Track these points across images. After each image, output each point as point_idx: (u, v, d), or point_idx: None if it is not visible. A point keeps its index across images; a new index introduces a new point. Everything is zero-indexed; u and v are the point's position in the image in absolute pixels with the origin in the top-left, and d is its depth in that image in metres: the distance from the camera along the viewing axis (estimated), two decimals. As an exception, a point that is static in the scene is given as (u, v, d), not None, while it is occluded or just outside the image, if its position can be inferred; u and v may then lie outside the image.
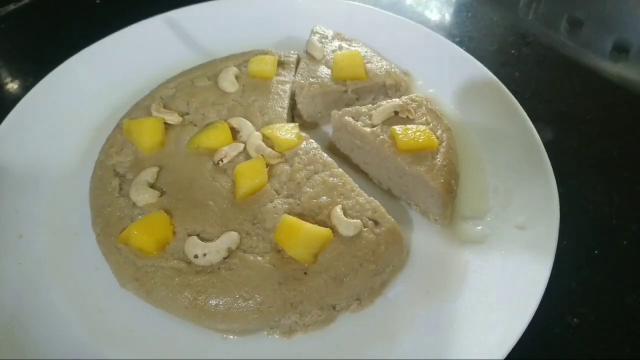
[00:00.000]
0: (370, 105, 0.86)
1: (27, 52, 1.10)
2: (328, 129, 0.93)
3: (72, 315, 0.70)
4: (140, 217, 0.72)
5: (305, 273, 0.67)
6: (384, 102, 0.86)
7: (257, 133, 0.81)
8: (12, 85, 1.06)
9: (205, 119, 0.85)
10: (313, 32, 0.99)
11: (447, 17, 1.22)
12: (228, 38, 1.05)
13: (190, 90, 0.89)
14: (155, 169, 0.77)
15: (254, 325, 0.66)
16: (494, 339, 0.63)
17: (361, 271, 0.68)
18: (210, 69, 0.93)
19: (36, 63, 1.07)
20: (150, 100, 0.88)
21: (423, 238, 0.79)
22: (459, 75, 0.95)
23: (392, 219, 0.72)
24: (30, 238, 0.77)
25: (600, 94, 0.99)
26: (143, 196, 0.73)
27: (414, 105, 0.86)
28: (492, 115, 0.89)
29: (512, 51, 1.04)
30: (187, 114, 0.86)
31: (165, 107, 0.86)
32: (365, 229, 0.70)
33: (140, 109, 0.87)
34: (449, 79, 0.96)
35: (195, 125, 0.84)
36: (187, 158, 0.79)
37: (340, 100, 0.92)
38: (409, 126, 0.81)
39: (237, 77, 0.91)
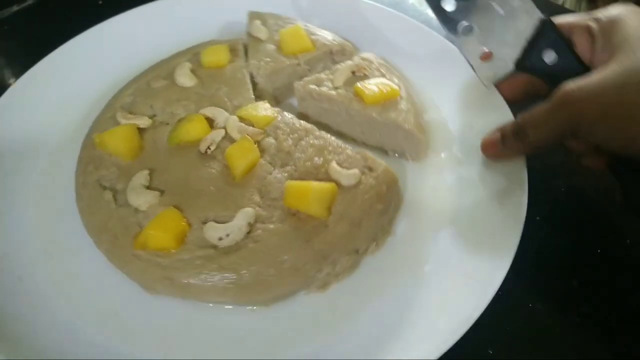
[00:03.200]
0: (327, 71, 0.92)
1: (31, 53, 1.07)
2: (291, 102, 0.97)
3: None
4: (147, 220, 0.72)
5: (326, 225, 0.71)
6: (339, 66, 0.92)
7: (234, 116, 0.83)
8: None
9: (175, 116, 0.85)
10: (251, 16, 1.02)
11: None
12: (162, 41, 1.04)
13: (149, 93, 0.89)
14: (146, 172, 0.76)
15: (295, 286, 0.70)
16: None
17: (372, 212, 0.74)
18: (163, 69, 0.93)
19: None
20: (111, 111, 0.87)
21: (408, 177, 0.86)
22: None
23: (383, 162, 0.79)
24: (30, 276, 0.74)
25: None
26: (145, 198, 0.73)
27: (366, 63, 0.93)
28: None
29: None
30: (155, 115, 0.86)
31: (130, 113, 0.85)
32: (364, 176, 0.76)
33: (105, 121, 0.86)
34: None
35: (167, 123, 0.84)
36: (173, 155, 0.80)
37: (294, 74, 0.97)
38: (369, 81, 0.88)
39: (192, 71, 0.92)
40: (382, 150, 0.91)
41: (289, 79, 0.96)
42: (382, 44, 1.02)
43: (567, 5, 1.40)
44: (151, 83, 0.91)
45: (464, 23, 0.84)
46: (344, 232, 0.71)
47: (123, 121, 0.83)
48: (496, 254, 0.70)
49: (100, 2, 1.27)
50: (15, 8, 1.23)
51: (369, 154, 0.80)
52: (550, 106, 0.68)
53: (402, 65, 0.99)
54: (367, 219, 0.73)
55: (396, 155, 0.90)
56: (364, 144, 0.92)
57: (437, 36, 0.99)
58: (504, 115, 0.84)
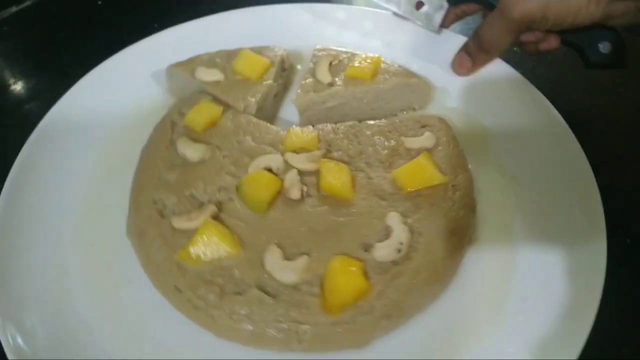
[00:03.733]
0: (306, 76, 0.92)
1: (30, 54, 1.12)
2: (284, 120, 0.96)
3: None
4: (316, 287, 0.66)
5: (452, 185, 0.76)
6: (312, 65, 0.93)
7: (288, 153, 0.78)
8: (15, 87, 1.07)
9: (228, 189, 0.75)
10: (181, 70, 0.93)
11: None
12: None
13: (176, 187, 0.75)
14: (273, 247, 0.68)
15: (466, 244, 0.74)
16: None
17: (462, 155, 0.81)
18: (159, 159, 0.80)
19: (39, 65, 1.11)
20: (155, 227, 0.72)
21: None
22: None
23: (431, 114, 0.86)
24: None
25: (606, 91, 0.94)
26: (300, 269, 0.66)
27: (332, 51, 0.95)
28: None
29: (515, 48, 0.95)
30: (209, 200, 0.75)
31: (177, 215, 0.73)
32: (432, 134, 0.82)
33: (159, 242, 0.71)
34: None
35: (230, 199, 0.75)
36: (270, 220, 0.72)
37: (269, 94, 0.93)
38: (353, 63, 0.92)
39: (194, 141, 0.81)
40: (392, 115, 0.96)
41: (269, 100, 0.93)
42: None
43: None
44: (165, 177, 0.77)
45: None
46: (465, 180, 0.77)
47: (189, 225, 0.71)
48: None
49: (100, 2, 1.26)
50: (14, 9, 1.23)
51: (415, 114, 0.86)
52: (501, 12, 0.81)
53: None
54: (465, 160, 0.80)
55: (404, 113, 0.96)
56: (373, 119, 0.95)
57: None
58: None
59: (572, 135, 0.82)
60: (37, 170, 0.81)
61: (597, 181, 0.76)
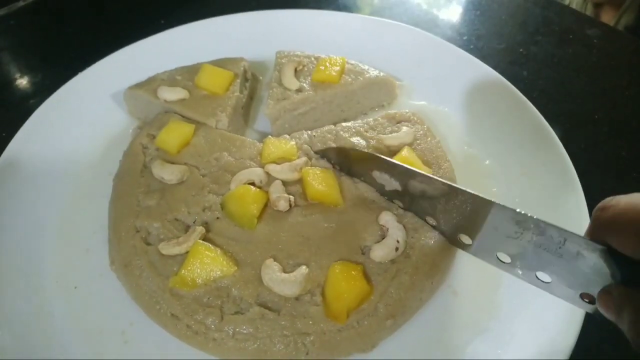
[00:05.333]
0: (272, 85, 0.91)
1: (36, 49, 1.14)
2: (254, 131, 0.94)
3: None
4: (318, 297, 0.65)
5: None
6: (277, 73, 0.92)
7: (269, 165, 0.77)
8: (21, 82, 1.07)
9: (212, 208, 0.73)
10: (142, 92, 0.90)
11: (456, 16, 1.20)
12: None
13: (159, 212, 0.72)
14: (270, 261, 0.67)
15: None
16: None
17: (439, 145, 0.82)
18: (135, 186, 0.76)
19: (45, 59, 1.12)
20: (141, 256, 0.69)
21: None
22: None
23: (404, 109, 0.87)
24: None
25: (608, 93, 0.94)
26: (299, 281, 0.65)
27: (295, 57, 0.94)
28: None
29: (521, 50, 0.98)
30: (194, 221, 0.72)
31: (164, 241, 0.70)
32: (409, 129, 0.82)
33: (152, 266, 0.68)
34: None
35: (217, 218, 0.72)
36: (262, 233, 0.70)
37: (238, 106, 0.91)
38: (319, 67, 0.91)
39: (169, 163, 0.78)
40: (363, 114, 0.96)
41: (239, 112, 0.91)
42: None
43: (573, 6, 1.43)
44: (144, 203, 0.74)
45: None
46: (448, 170, 0.78)
47: (179, 249, 0.68)
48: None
49: (105, -3, 1.24)
50: (21, 3, 1.23)
51: (386, 112, 0.86)
52: None
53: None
54: (444, 150, 0.82)
55: (375, 111, 0.96)
56: (345, 121, 0.95)
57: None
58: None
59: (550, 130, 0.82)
60: (3, 209, 0.76)
61: (602, 181, 0.75)
